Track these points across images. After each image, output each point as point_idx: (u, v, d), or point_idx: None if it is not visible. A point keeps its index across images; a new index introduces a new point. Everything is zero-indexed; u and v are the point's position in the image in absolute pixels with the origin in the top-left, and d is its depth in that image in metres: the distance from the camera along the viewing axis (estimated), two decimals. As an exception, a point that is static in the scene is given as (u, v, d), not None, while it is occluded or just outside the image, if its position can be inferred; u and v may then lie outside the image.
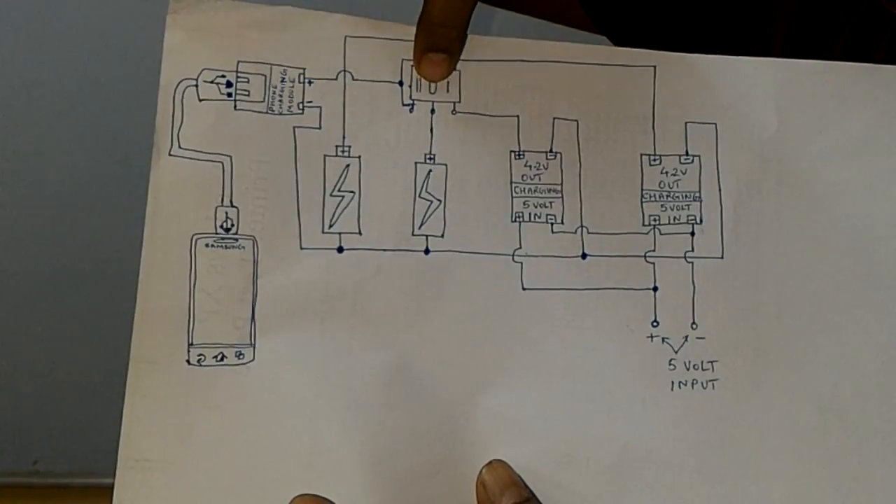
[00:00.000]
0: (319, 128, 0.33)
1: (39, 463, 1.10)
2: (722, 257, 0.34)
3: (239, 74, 0.33)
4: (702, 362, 0.34)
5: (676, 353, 0.34)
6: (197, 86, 0.32)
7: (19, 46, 0.86)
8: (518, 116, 0.34)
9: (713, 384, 0.34)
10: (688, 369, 0.34)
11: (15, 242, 0.98)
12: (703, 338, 0.34)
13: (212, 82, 0.32)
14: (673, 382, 0.34)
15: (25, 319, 1.02)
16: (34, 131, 0.91)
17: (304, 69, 0.33)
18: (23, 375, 1.05)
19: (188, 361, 0.32)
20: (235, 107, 0.33)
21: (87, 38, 0.86)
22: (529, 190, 0.34)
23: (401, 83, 0.34)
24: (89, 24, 0.85)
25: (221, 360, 0.32)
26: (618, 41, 0.47)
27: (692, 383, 0.34)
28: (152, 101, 0.33)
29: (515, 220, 0.34)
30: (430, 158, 0.34)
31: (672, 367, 0.34)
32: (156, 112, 0.33)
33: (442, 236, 0.33)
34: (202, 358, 0.32)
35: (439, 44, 0.33)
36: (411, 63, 0.33)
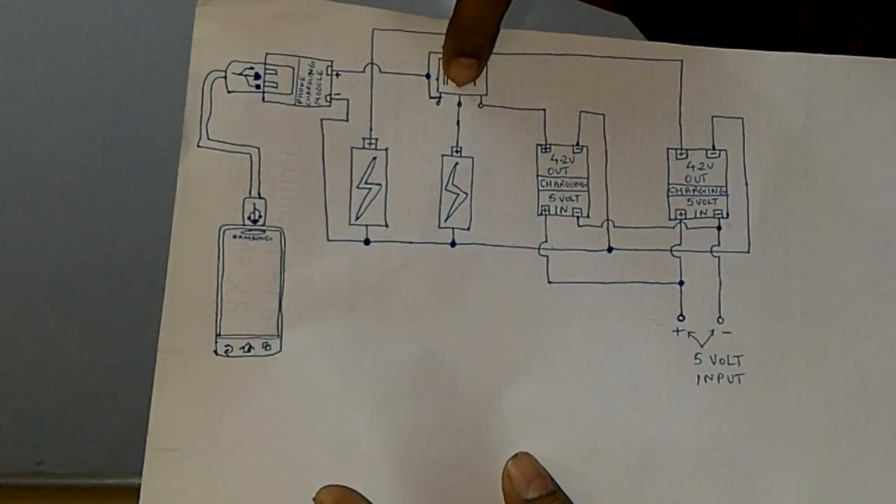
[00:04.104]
0: (347, 120, 0.33)
1: (44, 464, 1.09)
2: (748, 252, 0.34)
3: (267, 66, 0.33)
4: (728, 356, 0.34)
5: (702, 347, 0.34)
6: (226, 77, 0.32)
7: (43, 36, 0.86)
8: (545, 110, 0.34)
9: (739, 378, 0.34)
10: (714, 363, 0.34)
11: (18, 241, 0.97)
12: (729, 332, 0.34)
13: (240, 74, 0.33)
14: (699, 377, 0.34)
15: (30, 319, 1.02)
16: (54, 123, 0.91)
17: (331, 61, 0.33)
18: (27, 376, 1.05)
19: (216, 352, 0.32)
20: (264, 99, 0.33)
21: (112, 29, 0.86)
22: (556, 183, 0.34)
23: (428, 76, 0.34)
24: (116, 15, 0.85)
25: (248, 350, 0.32)
26: (639, 22, 0.47)
27: (718, 377, 0.34)
28: (178, 94, 0.33)
29: (542, 214, 0.34)
30: (456, 151, 0.34)
31: (698, 361, 0.34)
32: (181, 105, 0.33)
33: (468, 229, 0.33)
34: (230, 349, 0.32)
35: (468, 48, 0.33)
36: (439, 56, 0.33)
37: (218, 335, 0.32)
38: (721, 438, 0.33)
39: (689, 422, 0.33)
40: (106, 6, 0.85)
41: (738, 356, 0.34)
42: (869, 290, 0.34)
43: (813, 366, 0.34)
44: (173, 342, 0.32)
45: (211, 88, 0.32)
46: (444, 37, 0.33)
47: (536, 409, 0.33)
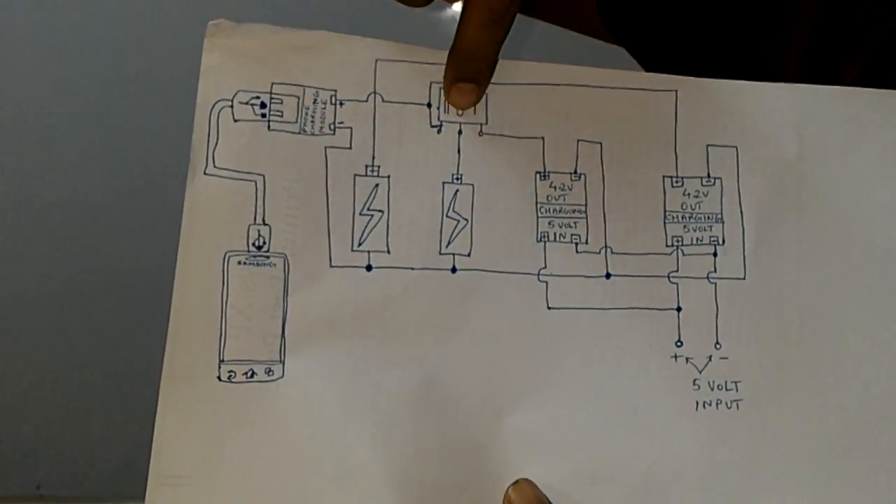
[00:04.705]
0: (350, 148, 0.34)
1: (42, 487, 1.09)
2: (744, 278, 0.35)
3: (273, 96, 0.33)
4: (726, 382, 0.34)
5: (700, 373, 0.34)
6: (232, 107, 0.33)
7: (52, 64, 0.87)
8: (543, 138, 0.35)
9: (737, 404, 0.34)
10: (712, 389, 0.34)
11: (22, 263, 0.98)
12: (726, 358, 0.34)
13: (246, 103, 0.33)
14: (697, 402, 0.34)
15: (31, 341, 1.02)
16: (64, 151, 0.91)
17: (335, 91, 0.34)
18: (26, 398, 1.05)
19: (219, 378, 0.32)
20: (269, 127, 0.33)
21: (121, 60, 0.87)
22: (554, 210, 0.35)
23: (429, 105, 0.34)
24: (125, 46, 0.86)
25: (252, 376, 0.32)
26: (635, 53, 0.47)
27: (716, 403, 0.34)
28: (186, 122, 0.33)
29: (541, 240, 0.34)
30: (457, 178, 0.34)
31: (696, 387, 0.34)
32: (188, 133, 0.33)
33: (469, 255, 0.34)
34: (233, 374, 0.32)
35: (468, 74, 0.34)
36: (439, 86, 0.34)
37: (221, 361, 0.32)
38: (721, 464, 0.34)
39: (689, 447, 0.34)
40: (116, 38, 0.86)
41: (735, 382, 0.34)
42: (864, 315, 0.35)
43: (810, 390, 0.34)
44: (177, 368, 0.32)
45: (217, 117, 0.33)
46: (444, 67, 0.34)
47: (537, 434, 0.33)
